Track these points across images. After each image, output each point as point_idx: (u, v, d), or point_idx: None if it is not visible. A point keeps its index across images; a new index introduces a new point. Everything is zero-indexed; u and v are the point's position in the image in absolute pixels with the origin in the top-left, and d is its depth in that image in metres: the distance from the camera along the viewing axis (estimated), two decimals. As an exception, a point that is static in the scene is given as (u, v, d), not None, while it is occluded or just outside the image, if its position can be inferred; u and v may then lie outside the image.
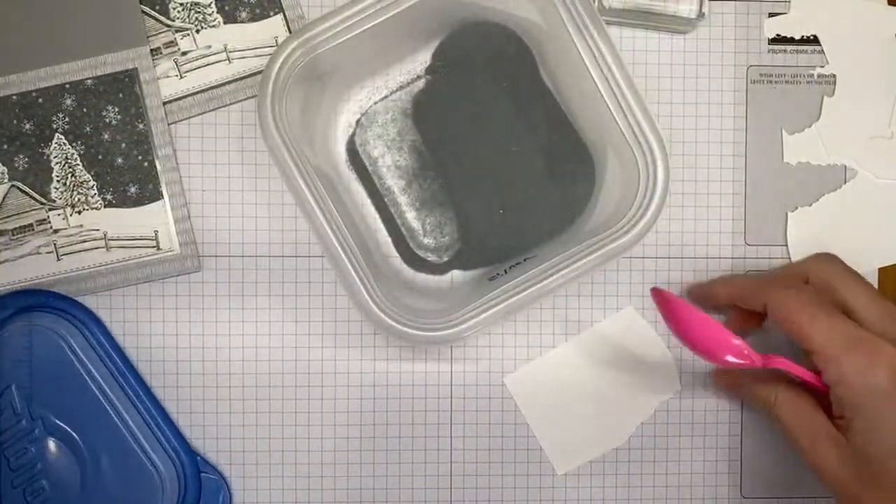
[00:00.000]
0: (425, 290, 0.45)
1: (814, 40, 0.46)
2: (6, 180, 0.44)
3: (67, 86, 0.44)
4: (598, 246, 0.40)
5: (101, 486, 0.43)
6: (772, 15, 0.46)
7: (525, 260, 0.44)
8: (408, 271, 0.46)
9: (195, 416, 0.45)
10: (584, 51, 0.40)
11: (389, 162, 0.45)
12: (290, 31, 0.45)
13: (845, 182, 0.47)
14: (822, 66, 0.46)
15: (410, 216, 0.45)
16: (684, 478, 0.47)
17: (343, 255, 0.39)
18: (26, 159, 0.44)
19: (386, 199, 0.45)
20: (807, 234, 0.46)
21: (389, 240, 0.46)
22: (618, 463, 0.46)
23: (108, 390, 0.43)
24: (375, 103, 0.45)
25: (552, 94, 0.45)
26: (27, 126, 0.44)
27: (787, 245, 0.46)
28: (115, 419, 0.43)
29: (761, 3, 0.46)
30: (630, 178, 0.41)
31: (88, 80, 0.44)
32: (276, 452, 0.46)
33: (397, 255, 0.45)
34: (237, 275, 0.45)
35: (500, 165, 0.45)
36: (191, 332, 0.45)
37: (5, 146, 0.44)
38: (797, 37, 0.46)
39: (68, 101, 0.44)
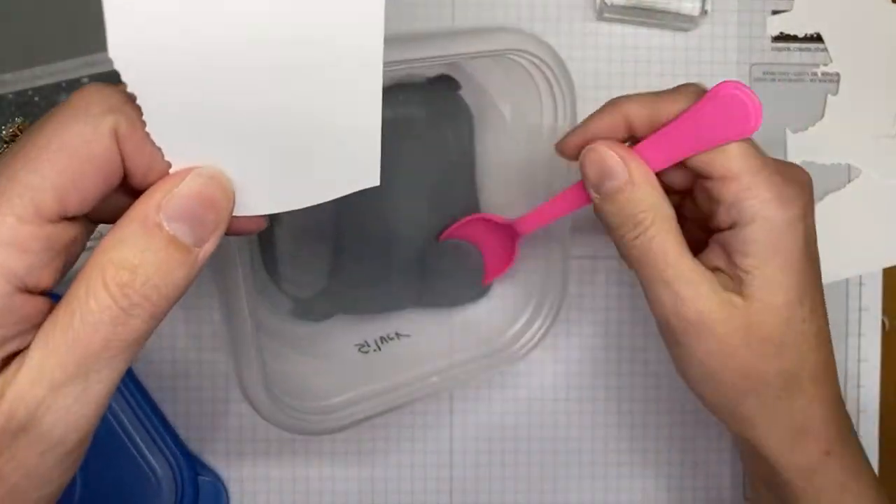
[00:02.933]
0: (300, 339, 0.43)
1: (817, 38, 0.46)
2: (1, 179, 0.44)
3: (64, 84, 0.44)
4: (483, 365, 0.39)
5: (97, 489, 0.43)
6: (775, 12, 0.46)
7: (398, 336, 0.42)
8: (284, 308, 0.43)
9: (192, 418, 0.45)
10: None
11: None
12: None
13: (849, 181, 0.46)
14: (826, 65, 0.46)
15: (289, 244, 0.42)
16: (686, 480, 0.46)
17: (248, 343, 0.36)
18: (21, 158, 0.44)
19: (273, 218, 0.42)
20: (810, 233, 0.46)
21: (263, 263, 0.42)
22: (619, 465, 0.46)
23: (104, 392, 0.43)
24: None
25: (475, 192, 0.43)
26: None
27: (790, 245, 0.46)
28: (112, 421, 0.43)
29: (764, 1, 0.46)
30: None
31: (84, 79, 0.44)
32: (274, 455, 0.45)
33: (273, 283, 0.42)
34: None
35: (402, 223, 0.42)
36: (188, 333, 0.45)
37: (3, 145, 0.44)
38: (801, 34, 0.46)
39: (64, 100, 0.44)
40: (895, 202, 0.46)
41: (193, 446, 0.45)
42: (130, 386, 0.44)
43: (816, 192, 0.46)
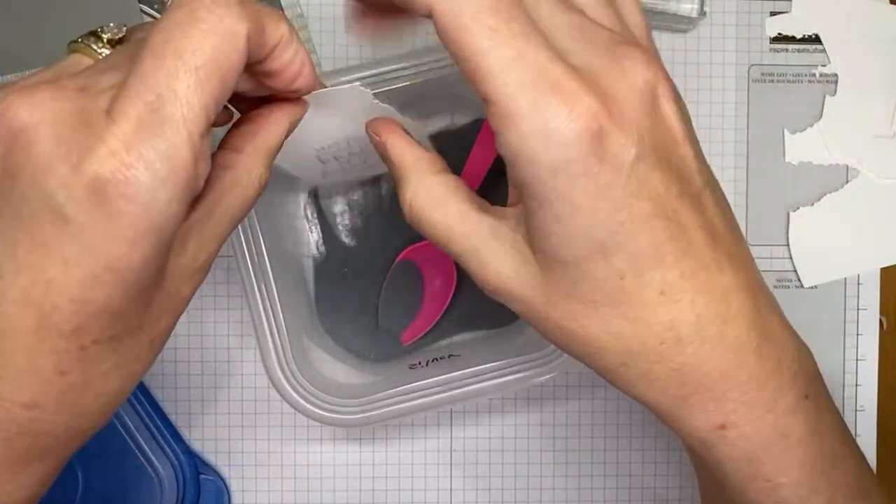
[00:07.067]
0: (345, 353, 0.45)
1: (815, 39, 0.46)
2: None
3: (65, 85, 0.44)
4: (518, 370, 0.39)
5: (99, 489, 0.43)
6: (773, 14, 0.46)
7: (449, 357, 0.43)
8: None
9: (194, 417, 0.45)
10: None
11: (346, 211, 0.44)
12: (289, 30, 0.45)
13: (847, 182, 0.46)
14: (824, 66, 0.46)
15: (332, 290, 0.45)
16: (685, 478, 0.47)
17: (266, 326, 0.39)
18: (24, 159, 0.44)
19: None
20: (808, 233, 0.46)
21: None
22: (618, 464, 0.46)
23: (106, 391, 0.43)
24: None
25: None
26: (25, 125, 0.44)
27: (788, 245, 0.46)
28: (114, 420, 0.43)
29: (763, 2, 0.46)
30: None
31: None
32: (276, 454, 0.45)
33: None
34: (237, 274, 0.45)
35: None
36: (189, 333, 0.45)
37: (3, 146, 0.44)
38: (799, 36, 0.46)
39: (66, 101, 0.44)
40: (893, 202, 0.46)
41: (195, 445, 0.45)
42: (132, 385, 0.44)
43: (814, 193, 0.46)
